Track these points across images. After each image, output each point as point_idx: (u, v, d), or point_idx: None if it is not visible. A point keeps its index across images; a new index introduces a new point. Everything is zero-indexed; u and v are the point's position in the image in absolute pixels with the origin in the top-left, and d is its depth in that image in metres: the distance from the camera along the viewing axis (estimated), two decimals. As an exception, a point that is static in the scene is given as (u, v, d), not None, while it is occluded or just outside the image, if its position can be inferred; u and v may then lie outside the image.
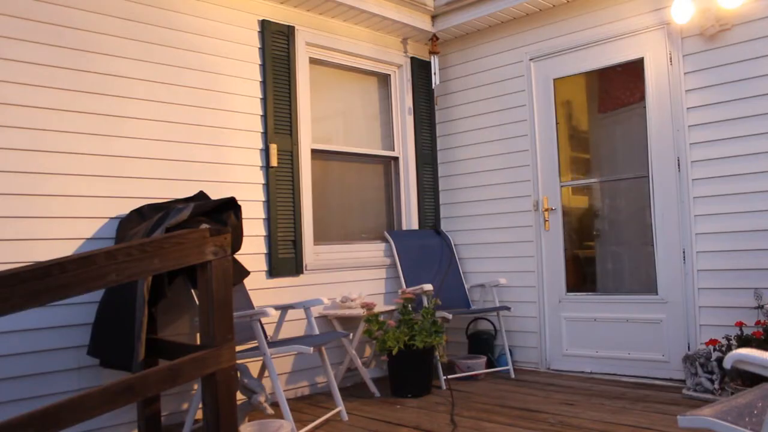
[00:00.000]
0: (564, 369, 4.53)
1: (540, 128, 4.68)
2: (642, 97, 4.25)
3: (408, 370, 4.05)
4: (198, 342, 3.14)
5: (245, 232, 3.72)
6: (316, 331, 3.75)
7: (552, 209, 4.63)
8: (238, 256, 3.66)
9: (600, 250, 4.56)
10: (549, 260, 4.64)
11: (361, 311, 4.17)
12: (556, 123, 4.62)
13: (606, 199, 4.56)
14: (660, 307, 4.13)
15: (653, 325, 4.15)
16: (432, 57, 5.17)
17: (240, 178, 4.00)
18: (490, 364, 4.65)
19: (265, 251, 4.11)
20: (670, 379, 4.03)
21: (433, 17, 5.01)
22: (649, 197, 4.19)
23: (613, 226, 4.51)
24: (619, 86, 4.46)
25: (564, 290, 4.58)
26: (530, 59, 4.74)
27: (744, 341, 3.48)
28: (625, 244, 4.45)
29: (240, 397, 3.07)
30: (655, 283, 4.17)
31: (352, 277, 4.60)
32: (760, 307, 3.58)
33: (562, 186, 4.63)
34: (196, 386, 3.49)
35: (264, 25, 4.19)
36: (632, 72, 4.32)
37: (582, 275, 4.63)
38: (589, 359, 4.43)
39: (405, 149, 5.12)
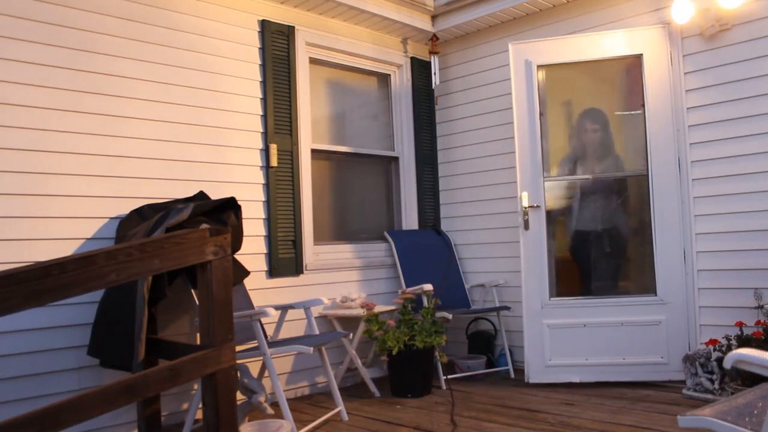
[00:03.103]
0: (546, 382, 4.15)
1: (522, 118, 4.29)
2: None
3: (408, 370, 4.05)
4: (198, 342, 3.14)
5: (245, 232, 3.72)
6: (316, 331, 3.75)
7: (535, 207, 4.27)
8: (238, 256, 3.66)
9: (593, 251, 4.43)
10: (533, 262, 4.27)
11: (361, 311, 4.17)
12: (540, 114, 4.28)
13: (603, 196, 4.40)
14: (659, 309, 4.07)
15: (652, 327, 4.07)
16: (432, 57, 5.17)
17: (240, 178, 4.01)
18: (490, 364, 4.65)
19: (265, 251, 4.11)
20: (670, 381, 4.01)
21: (433, 17, 5.01)
22: (649, 196, 4.15)
23: (609, 225, 4.40)
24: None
25: (548, 295, 4.25)
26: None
27: (744, 341, 3.48)
28: (622, 243, 4.37)
29: (240, 397, 3.07)
30: (654, 284, 4.11)
31: (352, 277, 4.60)
32: (760, 307, 3.58)
33: (545, 180, 4.29)
34: (196, 386, 3.49)
35: (264, 25, 4.19)
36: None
37: (571, 277, 4.43)
38: (578, 368, 4.12)
39: (405, 149, 5.12)
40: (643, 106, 4.15)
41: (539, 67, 4.33)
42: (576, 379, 4.12)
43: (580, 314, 4.18)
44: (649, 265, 4.15)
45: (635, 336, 4.10)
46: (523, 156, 4.31)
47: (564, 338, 4.19)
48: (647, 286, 4.16)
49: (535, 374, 4.20)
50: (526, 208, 4.26)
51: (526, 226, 4.27)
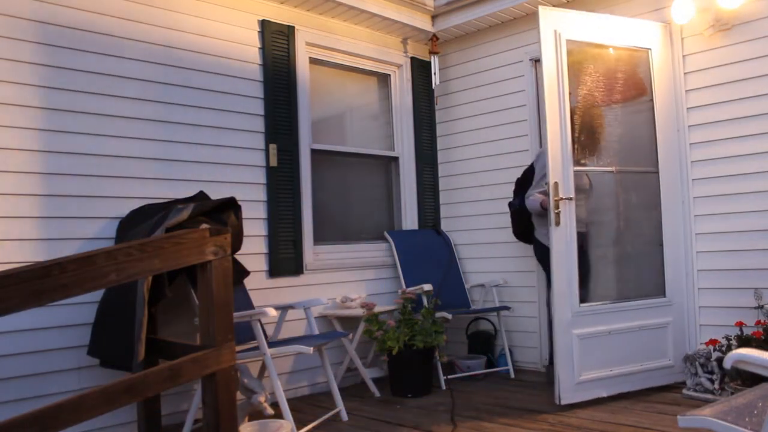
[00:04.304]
0: (578, 401, 3.64)
1: (552, 96, 3.74)
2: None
3: (408, 370, 4.05)
4: (198, 342, 3.14)
5: (245, 232, 3.72)
6: (316, 331, 3.75)
7: (566, 199, 3.71)
8: (238, 256, 3.66)
9: (615, 250, 4.19)
10: (564, 264, 3.73)
11: (361, 311, 4.17)
12: (569, 94, 3.81)
13: (624, 191, 4.21)
14: (667, 310, 3.97)
15: (661, 329, 3.94)
16: (432, 57, 5.17)
17: (240, 178, 4.00)
18: (490, 364, 4.64)
19: (266, 251, 4.11)
20: (675, 382, 3.94)
21: (433, 17, 5.00)
22: (659, 194, 4.02)
23: (629, 223, 4.22)
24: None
25: (578, 301, 3.77)
26: (530, 59, 4.73)
27: (744, 341, 3.47)
28: (640, 242, 4.19)
29: (240, 397, 3.06)
30: (663, 285, 3.99)
31: (352, 277, 4.60)
32: (760, 307, 3.58)
33: (575, 171, 3.79)
34: (196, 386, 3.49)
35: (264, 25, 4.19)
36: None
37: (594, 279, 4.10)
38: (605, 381, 3.74)
39: (405, 149, 5.12)
40: (652, 102, 4.06)
41: (567, 41, 3.83)
42: (604, 394, 3.71)
43: (605, 321, 3.79)
44: (660, 266, 4.01)
45: (649, 340, 3.90)
46: (554, 141, 3.72)
47: (592, 349, 3.74)
48: (658, 288, 4.01)
49: (567, 393, 3.63)
50: (558, 200, 3.69)
51: (558, 221, 3.69)
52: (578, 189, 3.87)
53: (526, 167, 4.43)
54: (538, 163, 4.15)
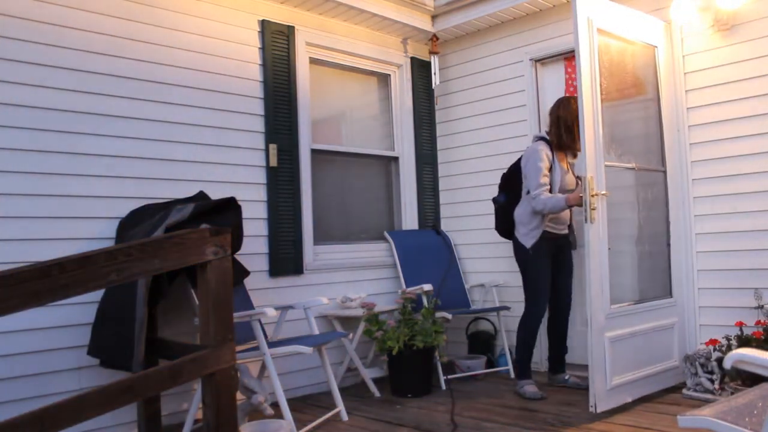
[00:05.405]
0: (609, 408, 3.47)
1: (586, 85, 3.56)
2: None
3: (408, 370, 4.05)
4: (198, 342, 3.14)
5: (246, 232, 3.72)
6: (316, 331, 3.75)
7: (601, 195, 3.53)
8: (238, 256, 3.66)
9: (635, 249, 4.10)
10: (598, 264, 3.55)
11: (361, 311, 4.17)
12: (600, 84, 3.66)
13: (641, 189, 4.11)
14: (673, 311, 3.95)
15: (668, 330, 3.91)
16: (432, 57, 5.17)
17: (240, 178, 4.00)
18: (490, 364, 4.64)
19: (266, 251, 4.11)
20: (678, 383, 3.93)
21: (433, 17, 5.00)
22: (666, 194, 4.01)
23: (645, 221, 4.14)
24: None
25: (608, 303, 3.63)
26: (530, 59, 4.73)
27: (744, 341, 3.48)
28: (654, 241, 4.13)
29: (240, 397, 3.06)
30: (670, 285, 3.97)
31: (352, 277, 4.60)
32: (760, 307, 3.58)
33: (606, 166, 3.63)
34: (196, 386, 3.49)
35: (264, 25, 4.19)
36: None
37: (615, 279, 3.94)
38: (630, 385, 3.62)
39: (405, 149, 5.12)
40: (659, 100, 4.03)
41: (598, 30, 3.66)
42: (629, 399, 3.58)
43: (630, 322, 3.67)
44: (668, 266, 3.99)
45: (660, 341, 3.86)
46: (588, 133, 3.51)
47: (619, 352, 3.59)
48: (668, 288, 3.99)
49: (601, 401, 3.44)
50: (594, 195, 3.47)
51: (592, 219, 3.47)
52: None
53: (512, 164, 4.24)
54: (532, 156, 3.87)
